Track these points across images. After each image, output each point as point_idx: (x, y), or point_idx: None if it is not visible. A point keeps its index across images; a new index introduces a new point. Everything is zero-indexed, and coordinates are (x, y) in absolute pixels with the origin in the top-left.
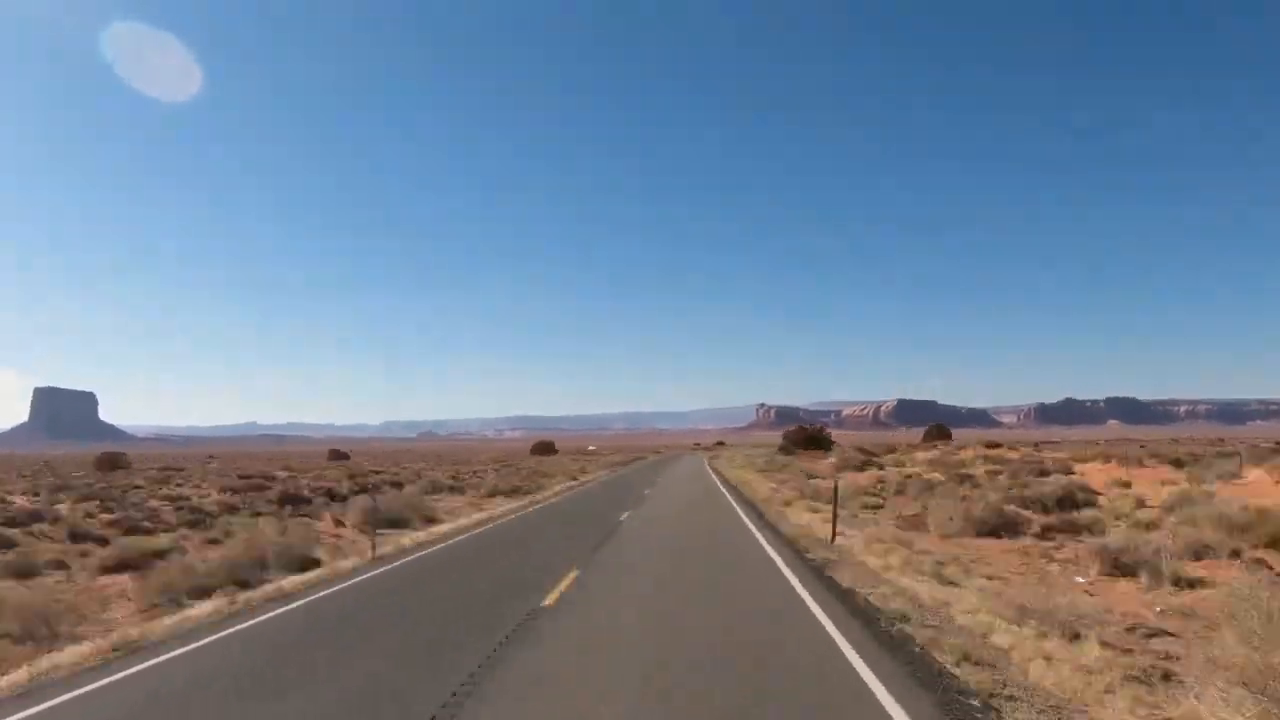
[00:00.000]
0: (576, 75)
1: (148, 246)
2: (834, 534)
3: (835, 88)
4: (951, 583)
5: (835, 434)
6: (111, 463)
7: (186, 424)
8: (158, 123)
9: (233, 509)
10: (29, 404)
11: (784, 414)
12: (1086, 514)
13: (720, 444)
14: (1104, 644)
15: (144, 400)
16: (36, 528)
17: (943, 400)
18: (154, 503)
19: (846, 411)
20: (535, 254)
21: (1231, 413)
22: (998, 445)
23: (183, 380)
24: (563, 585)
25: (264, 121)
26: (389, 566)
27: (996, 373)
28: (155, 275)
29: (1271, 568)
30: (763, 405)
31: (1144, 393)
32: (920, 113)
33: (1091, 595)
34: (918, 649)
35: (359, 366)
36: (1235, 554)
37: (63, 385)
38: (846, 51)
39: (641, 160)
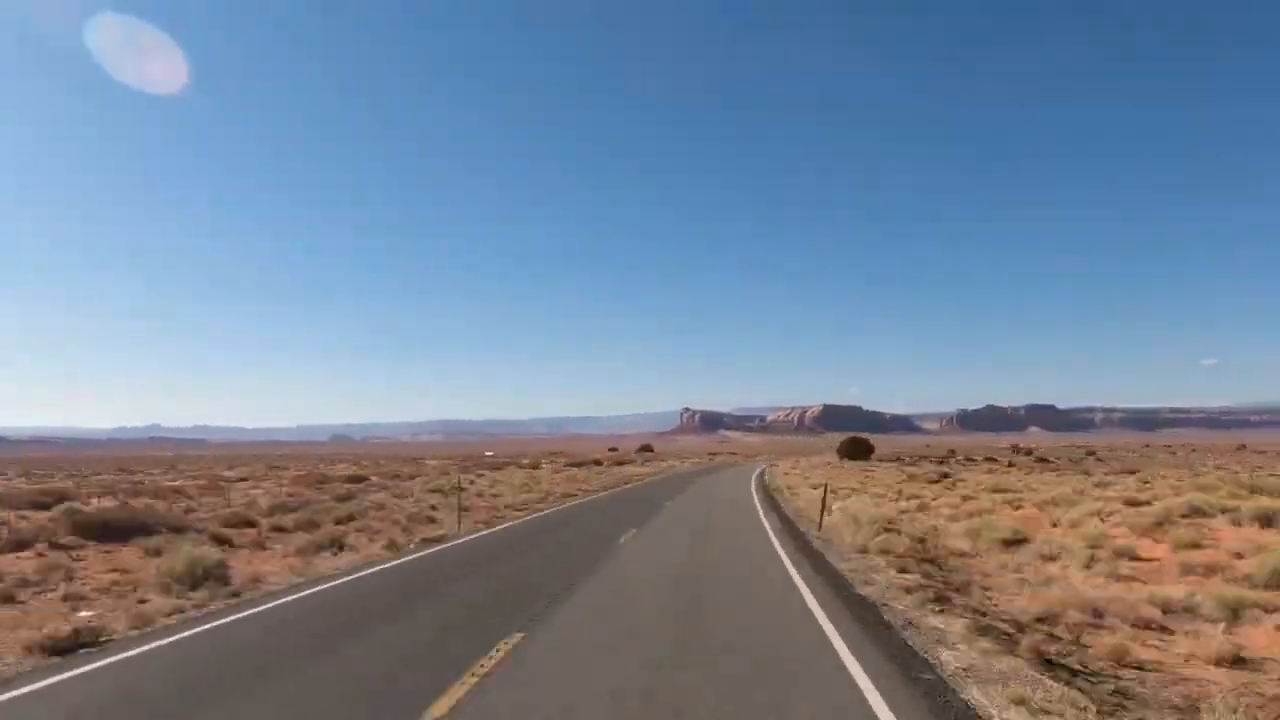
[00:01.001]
0: (489, 76)
1: (53, 243)
2: None
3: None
4: None
5: (759, 440)
6: None
7: (86, 426)
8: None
9: None
10: None
11: (708, 418)
12: None
13: (648, 448)
14: None
15: (29, 400)
16: None
17: (867, 406)
18: None
19: (771, 416)
20: (457, 259)
21: (1145, 421)
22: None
23: (77, 380)
24: None
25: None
26: None
27: (919, 380)
28: (54, 272)
29: None
30: (687, 409)
31: (1062, 400)
32: (853, 113)
33: None
34: None
35: (274, 369)
36: None
37: None
38: (842, 60)
39: (565, 164)
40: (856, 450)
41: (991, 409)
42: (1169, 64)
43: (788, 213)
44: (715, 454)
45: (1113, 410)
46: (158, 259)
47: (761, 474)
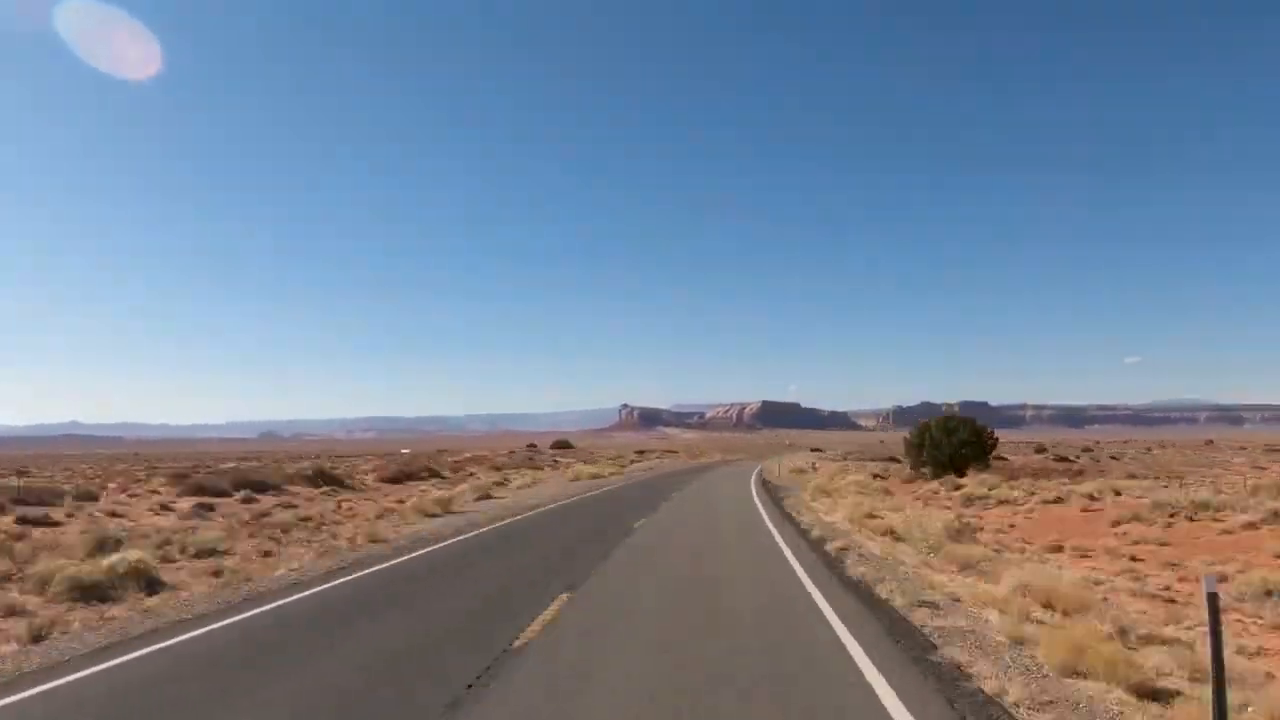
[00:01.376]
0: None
1: None
2: None
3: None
4: None
5: (697, 436)
6: None
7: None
8: None
9: None
10: None
11: (647, 415)
12: None
13: (563, 445)
14: None
15: None
16: None
17: (805, 403)
18: None
19: (710, 413)
20: (390, 253)
21: (1073, 417)
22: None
23: None
24: None
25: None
26: None
27: (856, 377)
28: None
29: None
30: (626, 406)
31: (994, 397)
32: (786, 113)
33: None
34: None
35: (203, 364)
36: None
37: None
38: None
39: (492, 161)
40: (962, 455)
41: (927, 405)
42: (1099, 52)
43: (724, 211)
44: (644, 451)
45: (1042, 407)
46: (80, 249)
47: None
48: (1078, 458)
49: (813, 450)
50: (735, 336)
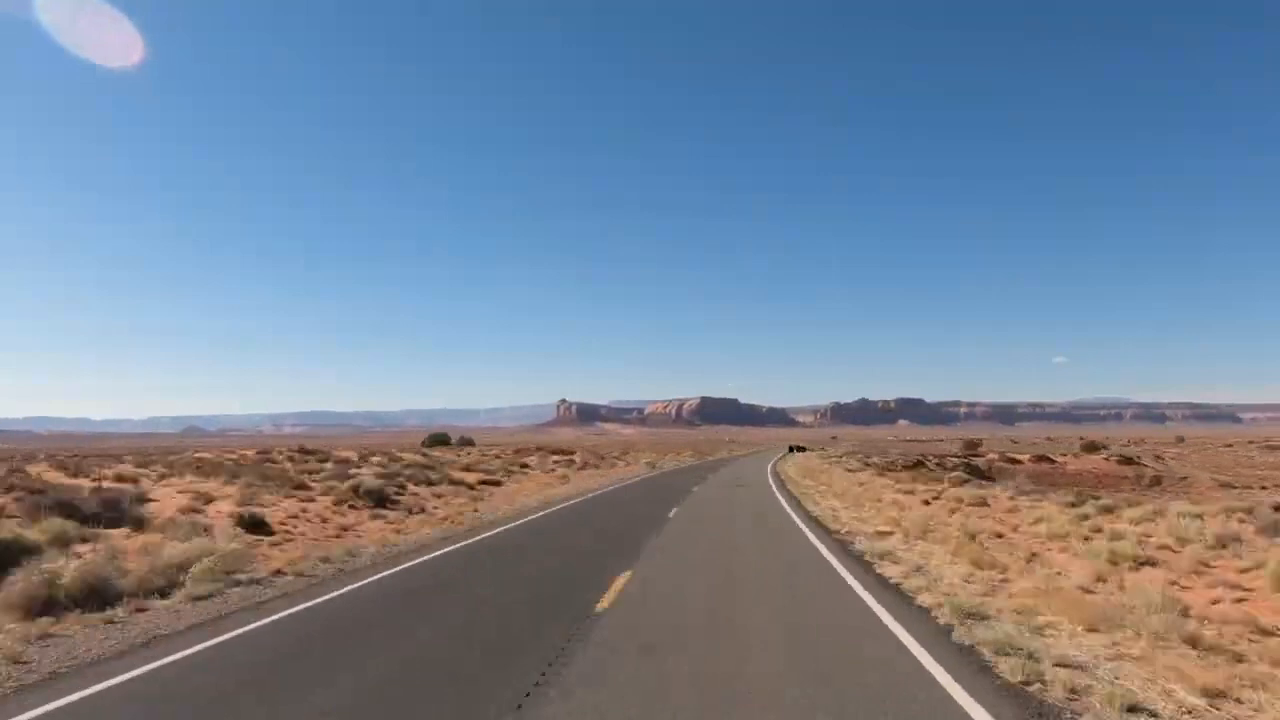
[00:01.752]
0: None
1: None
2: None
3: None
4: None
5: (634, 432)
6: None
7: None
8: None
9: None
10: None
11: (585, 411)
12: None
13: (442, 440)
14: None
15: None
16: None
17: (744, 399)
18: None
19: (649, 409)
20: (324, 247)
21: (1005, 414)
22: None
23: None
24: None
25: None
26: None
27: (795, 374)
28: None
29: None
30: (564, 401)
31: (930, 394)
32: (722, 110)
33: None
34: None
35: (122, 357)
36: None
37: None
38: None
39: (435, 160)
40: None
41: (864, 402)
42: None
43: (662, 210)
44: (561, 453)
45: (975, 404)
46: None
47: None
48: (1136, 459)
49: (794, 449)
50: (675, 334)
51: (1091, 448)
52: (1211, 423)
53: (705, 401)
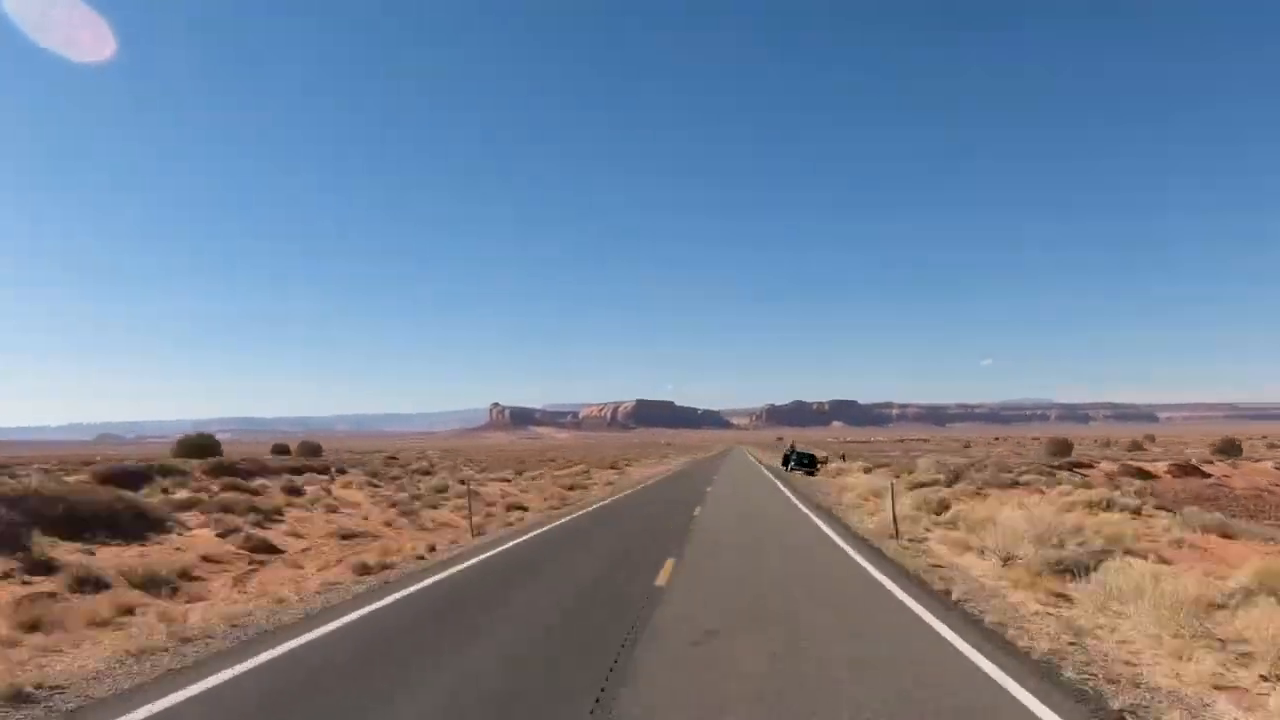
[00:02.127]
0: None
1: None
2: None
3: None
4: None
5: (569, 436)
6: None
7: None
8: None
9: None
10: None
11: (519, 415)
12: None
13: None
14: None
15: None
16: None
17: (680, 402)
18: None
19: (584, 412)
20: (248, 250)
21: (937, 415)
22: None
23: None
24: None
25: None
26: None
27: (731, 377)
28: None
29: None
30: (496, 405)
31: (863, 396)
32: (682, 112)
33: None
34: None
35: (38, 361)
36: None
37: None
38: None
39: (367, 161)
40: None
41: (799, 404)
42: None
43: (597, 214)
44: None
45: (907, 406)
46: None
47: None
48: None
49: (797, 459)
50: (611, 337)
51: (1229, 449)
52: (1130, 422)
53: (641, 405)
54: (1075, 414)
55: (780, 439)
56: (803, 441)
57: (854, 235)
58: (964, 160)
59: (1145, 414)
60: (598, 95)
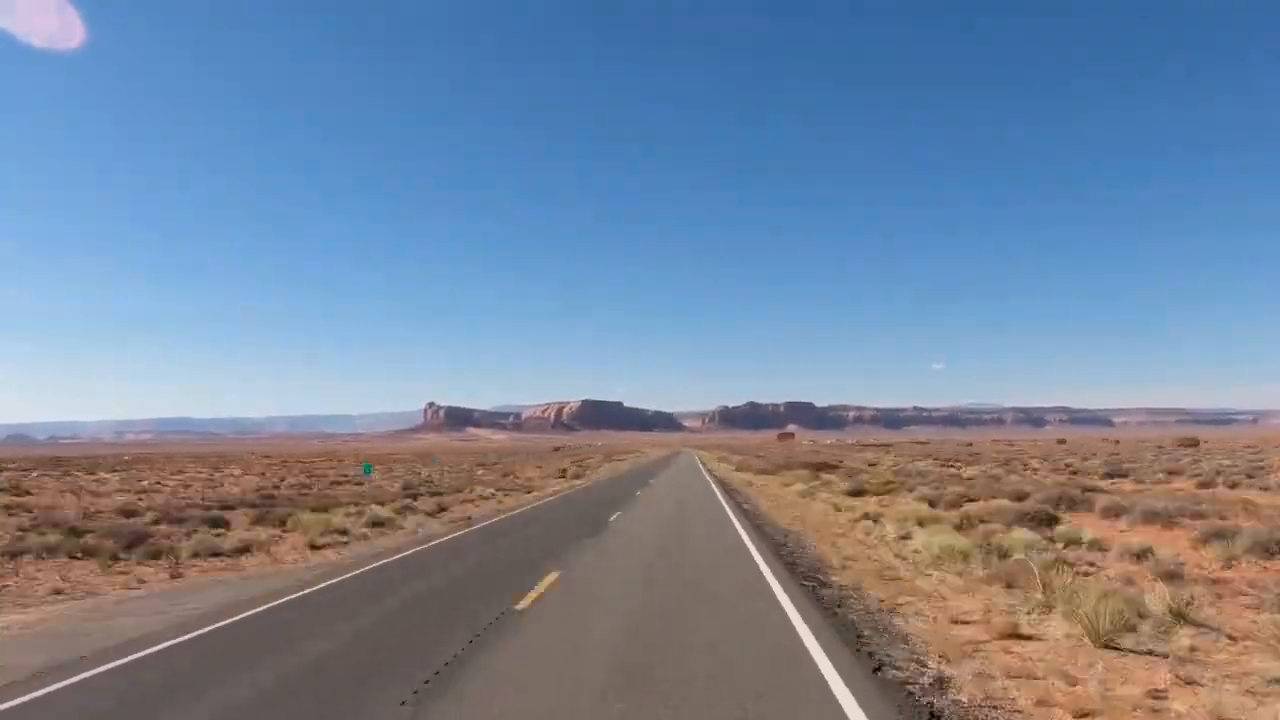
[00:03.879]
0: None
1: None
2: None
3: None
4: None
5: (507, 438)
6: None
7: None
8: None
9: None
10: None
11: (455, 415)
12: None
13: None
14: None
15: None
16: None
17: (629, 403)
18: None
19: (527, 413)
20: (188, 245)
21: (892, 418)
22: None
23: None
24: None
25: None
26: None
27: (682, 377)
28: None
29: None
30: (431, 405)
31: (818, 399)
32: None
33: None
34: None
35: None
36: None
37: None
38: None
39: (296, 148)
40: None
41: (753, 406)
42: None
43: (549, 207)
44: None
45: (864, 409)
46: None
47: None
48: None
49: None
50: (559, 337)
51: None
52: (1085, 426)
53: (587, 405)
54: (1030, 417)
55: (790, 434)
56: (753, 448)
57: (811, 239)
58: (913, 168)
59: (1101, 418)
60: (552, 72)
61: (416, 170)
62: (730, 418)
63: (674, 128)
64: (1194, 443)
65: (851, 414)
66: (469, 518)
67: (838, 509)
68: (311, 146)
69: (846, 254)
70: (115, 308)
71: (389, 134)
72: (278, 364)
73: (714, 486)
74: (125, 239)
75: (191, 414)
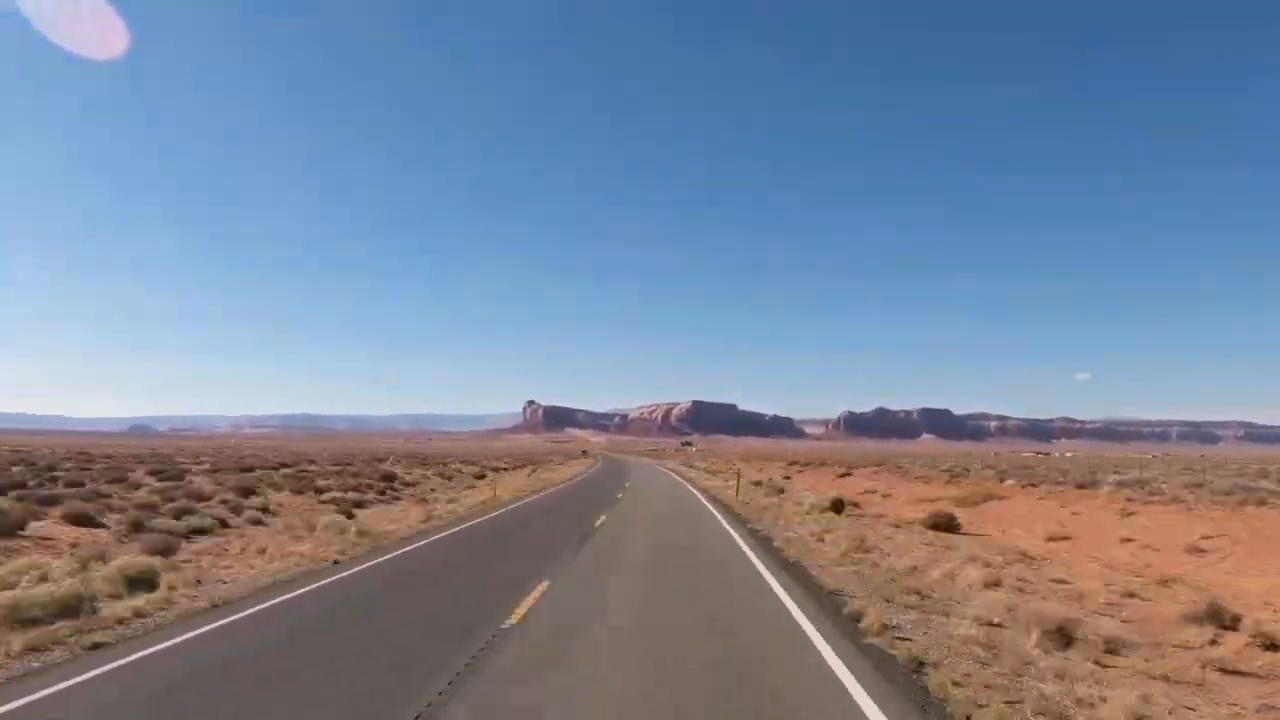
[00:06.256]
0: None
1: None
2: None
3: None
4: None
5: (604, 440)
6: None
7: None
8: None
9: None
10: None
11: (555, 415)
12: None
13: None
14: None
15: None
16: None
17: (744, 405)
18: None
19: (633, 414)
20: (320, 247)
21: (1041, 430)
22: None
23: None
24: None
25: None
26: None
27: (803, 378)
28: None
29: None
30: (531, 403)
31: (957, 406)
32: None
33: None
34: None
35: (68, 351)
36: None
37: None
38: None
39: (411, 157)
40: None
41: (882, 412)
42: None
43: (656, 213)
44: None
45: (1006, 418)
46: None
47: None
48: None
49: None
50: (675, 338)
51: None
52: (1265, 443)
53: (698, 406)
54: (1200, 432)
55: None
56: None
57: (943, 230)
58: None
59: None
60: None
61: (565, 175)
62: (857, 424)
63: (817, 132)
64: None
65: (993, 423)
66: None
67: None
68: (423, 156)
69: (994, 258)
70: (248, 307)
71: (502, 141)
72: (409, 365)
73: None
74: (251, 242)
75: (322, 411)
